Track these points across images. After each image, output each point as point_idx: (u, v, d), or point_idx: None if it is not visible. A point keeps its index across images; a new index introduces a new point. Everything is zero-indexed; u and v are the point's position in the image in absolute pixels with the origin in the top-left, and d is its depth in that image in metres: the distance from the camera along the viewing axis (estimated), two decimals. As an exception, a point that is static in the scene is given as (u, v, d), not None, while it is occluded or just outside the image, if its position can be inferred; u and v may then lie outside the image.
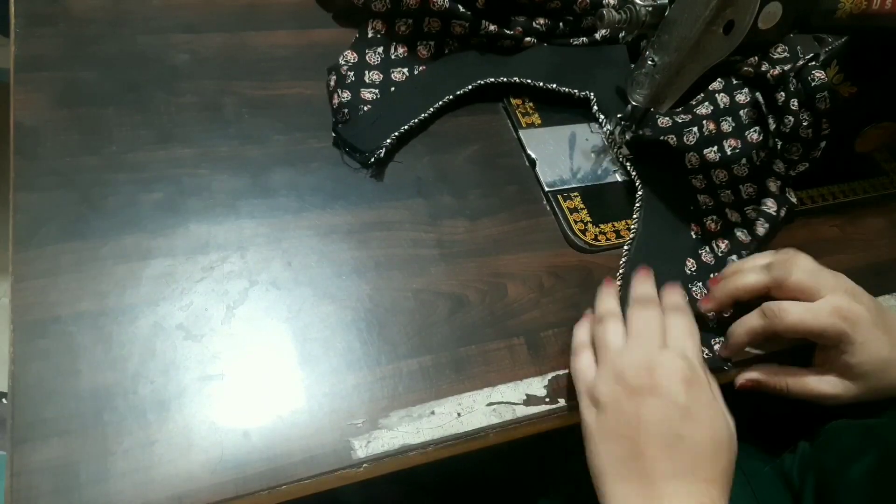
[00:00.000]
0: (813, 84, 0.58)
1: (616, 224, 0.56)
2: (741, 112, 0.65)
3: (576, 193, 0.57)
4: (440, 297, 0.48)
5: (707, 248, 0.56)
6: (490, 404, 0.45)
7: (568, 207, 0.56)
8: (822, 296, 0.45)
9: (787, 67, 0.65)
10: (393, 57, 0.58)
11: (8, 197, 0.44)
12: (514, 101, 0.61)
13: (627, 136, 0.61)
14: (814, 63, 0.60)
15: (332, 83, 0.55)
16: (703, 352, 0.50)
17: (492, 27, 0.60)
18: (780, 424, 0.55)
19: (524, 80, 0.60)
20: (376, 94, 0.56)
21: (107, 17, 0.54)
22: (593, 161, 0.60)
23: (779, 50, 0.70)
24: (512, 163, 0.58)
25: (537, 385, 0.47)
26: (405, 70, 0.58)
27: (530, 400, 0.46)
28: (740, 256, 0.55)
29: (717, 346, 0.51)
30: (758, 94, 0.66)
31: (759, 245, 0.57)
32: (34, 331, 0.40)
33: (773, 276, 0.47)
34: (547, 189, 0.56)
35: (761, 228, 0.56)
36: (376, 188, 0.52)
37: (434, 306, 0.48)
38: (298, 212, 0.49)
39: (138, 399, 0.39)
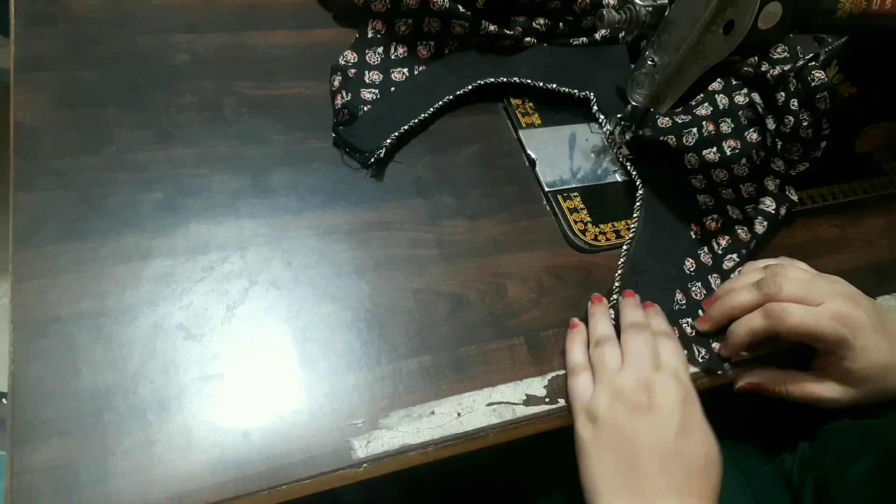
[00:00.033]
0: (813, 84, 0.58)
1: (616, 224, 0.56)
2: (740, 113, 0.65)
3: (576, 193, 0.57)
4: (440, 297, 0.48)
5: (706, 248, 0.56)
6: (490, 404, 0.45)
7: (568, 207, 0.56)
8: (819, 303, 0.46)
9: (787, 67, 0.65)
10: (393, 57, 0.58)
11: (8, 197, 0.44)
12: (514, 101, 0.61)
13: (627, 136, 0.61)
14: (814, 63, 0.60)
15: (335, 84, 0.55)
16: (699, 353, 0.50)
17: (492, 27, 0.60)
18: (779, 424, 0.56)
19: (524, 80, 0.60)
20: (376, 95, 0.56)
21: (107, 17, 0.54)
22: (593, 161, 0.60)
23: (779, 50, 0.70)
24: (512, 163, 0.58)
25: (537, 385, 0.47)
26: (405, 70, 0.58)
27: (530, 400, 0.46)
28: (740, 255, 0.55)
29: (715, 346, 0.51)
30: (755, 95, 0.66)
31: (759, 244, 0.57)
32: (34, 331, 0.40)
33: (765, 292, 0.47)
34: (547, 189, 0.56)
35: (760, 227, 0.57)
36: (376, 188, 0.52)
37: (434, 306, 0.48)
38: (298, 212, 0.49)
39: (138, 399, 0.39)
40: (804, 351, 0.49)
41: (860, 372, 0.45)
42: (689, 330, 0.51)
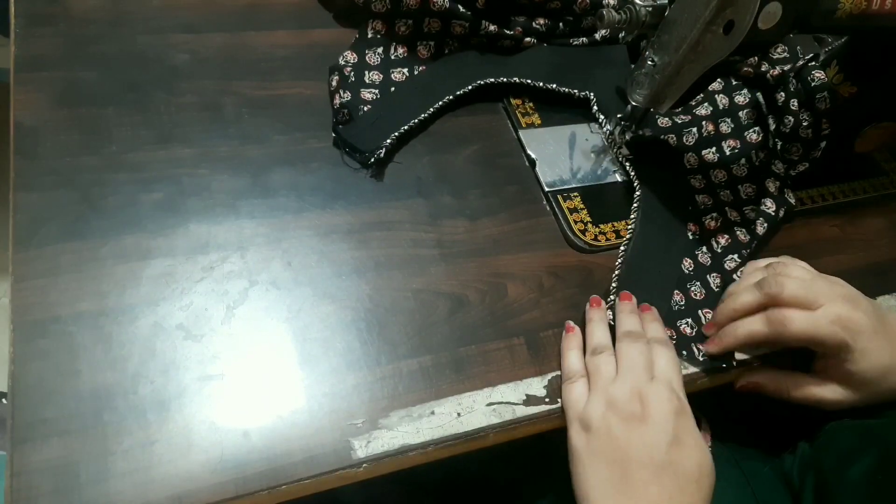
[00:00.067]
0: (813, 84, 0.58)
1: (616, 224, 0.56)
2: (740, 113, 0.65)
3: (576, 193, 0.57)
4: (440, 297, 0.48)
5: (704, 248, 0.56)
6: (490, 404, 0.45)
7: (568, 207, 0.56)
8: (819, 305, 0.46)
9: (787, 67, 0.65)
10: (393, 57, 0.58)
11: (8, 197, 0.44)
12: (514, 101, 0.61)
13: (627, 137, 0.61)
14: (814, 63, 0.60)
15: (335, 83, 0.55)
16: (699, 353, 0.50)
17: (492, 27, 0.60)
18: (779, 424, 0.55)
19: (524, 80, 0.60)
20: (376, 95, 0.56)
21: (107, 17, 0.54)
22: (593, 161, 0.60)
23: (779, 50, 0.70)
24: (512, 163, 0.58)
25: (537, 385, 0.47)
26: (405, 70, 0.58)
27: (530, 400, 0.46)
28: (741, 256, 0.55)
29: (706, 346, 0.51)
30: (758, 95, 0.66)
31: (759, 245, 0.57)
32: (34, 331, 0.40)
33: (766, 292, 0.47)
34: (547, 189, 0.56)
35: (760, 228, 0.57)
36: (376, 188, 0.52)
37: (434, 306, 0.48)
38: (298, 212, 0.49)
39: (138, 399, 0.39)
40: (804, 351, 0.49)
41: (861, 374, 0.46)
42: (688, 330, 0.51)
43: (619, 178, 0.59)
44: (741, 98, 0.66)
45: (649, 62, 0.52)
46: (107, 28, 0.54)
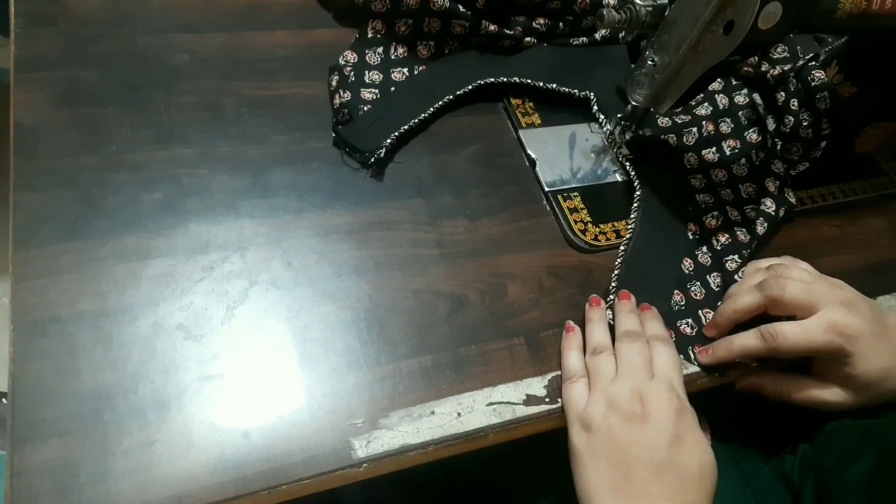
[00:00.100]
0: (813, 84, 0.58)
1: (616, 224, 0.56)
2: (740, 113, 0.65)
3: (576, 193, 0.57)
4: (440, 297, 0.48)
5: (705, 248, 0.56)
6: (490, 404, 0.45)
7: (568, 207, 0.56)
8: (818, 309, 0.45)
9: (787, 67, 0.65)
10: (393, 57, 0.58)
11: (8, 197, 0.44)
12: (514, 101, 0.61)
13: (627, 136, 0.61)
14: (814, 63, 0.60)
15: (335, 83, 0.55)
16: (695, 354, 0.50)
17: (492, 27, 0.60)
18: (779, 424, 0.55)
19: (524, 80, 0.60)
20: (376, 94, 0.56)
21: (107, 17, 0.54)
22: (593, 161, 0.60)
23: (779, 50, 0.70)
24: (512, 163, 0.58)
25: (537, 385, 0.47)
26: (405, 70, 0.58)
27: (530, 400, 0.46)
28: (741, 256, 0.55)
29: (698, 354, 0.51)
30: (756, 95, 0.66)
31: (759, 244, 0.57)
32: (34, 331, 0.40)
33: (767, 294, 0.47)
34: (547, 189, 0.56)
35: (760, 228, 0.57)
36: (376, 188, 0.52)
37: (434, 306, 0.48)
38: (298, 212, 0.49)
39: (138, 399, 0.39)
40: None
41: (861, 377, 0.46)
42: (688, 330, 0.51)
43: (619, 177, 0.59)
44: (741, 98, 0.66)
45: (649, 62, 0.52)
46: (107, 28, 0.54)
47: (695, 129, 0.63)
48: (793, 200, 0.60)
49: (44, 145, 0.47)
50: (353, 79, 0.56)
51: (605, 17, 0.50)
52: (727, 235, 0.56)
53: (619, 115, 0.60)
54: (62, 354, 0.40)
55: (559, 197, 0.56)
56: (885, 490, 0.44)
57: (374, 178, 0.53)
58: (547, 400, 0.46)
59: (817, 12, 0.47)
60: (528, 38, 0.62)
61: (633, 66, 0.55)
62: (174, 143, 0.50)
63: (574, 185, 0.57)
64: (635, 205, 0.57)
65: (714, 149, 0.63)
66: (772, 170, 0.60)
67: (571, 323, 0.49)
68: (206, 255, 0.46)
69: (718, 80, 0.67)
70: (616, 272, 0.52)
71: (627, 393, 0.43)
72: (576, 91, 0.61)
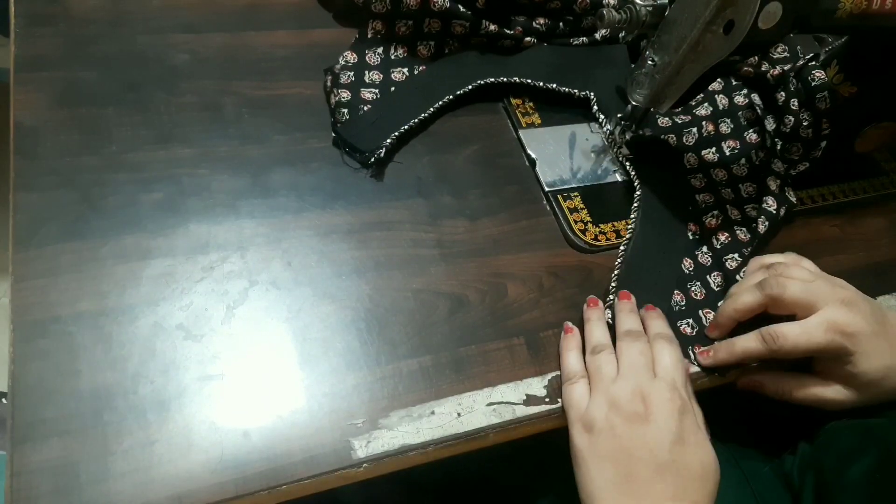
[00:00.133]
0: (813, 84, 0.58)
1: (616, 224, 0.56)
2: (740, 113, 0.65)
3: (576, 193, 0.57)
4: (440, 297, 0.48)
5: (705, 248, 0.56)
6: (490, 404, 0.45)
7: (568, 207, 0.56)
8: (818, 308, 0.45)
9: (787, 67, 0.65)
10: (393, 57, 0.58)
11: (8, 197, 0.44)
12: (514, 101, 0.61)
13: (627, 136, 0.61)
14: (814, 63, 0.60)
15: (329, 83, 0.55)
16: (695, 354, 0.50)
17: (492, 27, 0.60)
18: (780, 425, 0.55)
19: (524, 80, 0.60)
20: (376, 94, 0.56)
21: (107, 17, 0.54)
22: (593, 161, 0.60)
23: (779, 50, 0.70)
24: (512, 163, 0.58)
25: (537, 385, 0.47)
26: (405, 70, 0.58)
27: (530, 400, 0.46)
28: (742, 255, 0.55)
29: (699, 355, 0.51)
30: (756, 95, 0.66)
31: (760, 243, 0.57)
32: (34, 331, 0.40)
33: (767, 293, 0.47)
34: (547, 189, 0.56)
35: (762, 226, 0.56)
36: (376, 188, 0.52)
37: (434, 306, 0.48)
38: (298, 212, 0.49)
39: (138, 399, 0.39)
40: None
41: (863, 376, 0.45)
42: (688, 330, 0.51)
43: (619, 177, 0.59)
44: (741, 98, 0.66)
45: (649, 62, 0.52)
46: (107, 28, 0.54)
47: (695, 130, 0.63)
48: (793, 199, 0.60)
49: (44, 145, 0.47)
50: (353, 79, 0.56)
51: (605, 17, 0.50)
52: (727, 234, 0.56)
53: (619, 115, 0.60)
54: (62, 354, 0.40)
55: (559, 197, 0.56)
56: (885, 490, 0.44)
57: (374, 178, 0.53)
58: (547, 400, 0.46)
59: (817, 12, 0.47)
60: (528, 38, 0.62)
61: (633, 66, 0.55)
62: (174, 143, 0.50)
63: (574, 185, 0.57)
64: (635, 205, 0.57)
65: (714, 149, 0.63)
66: (772, 169, 0.60)
67: (570, 324, 0.49)
68: (206, 255, 0.46)
69: (718, 80, 0.67)
70: (616, 272, 0.52)
71: (629, 393, 0.43)
72: (576, 91, 0.61)
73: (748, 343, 0.48)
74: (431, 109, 0.56)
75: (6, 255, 0.42)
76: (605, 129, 0.61)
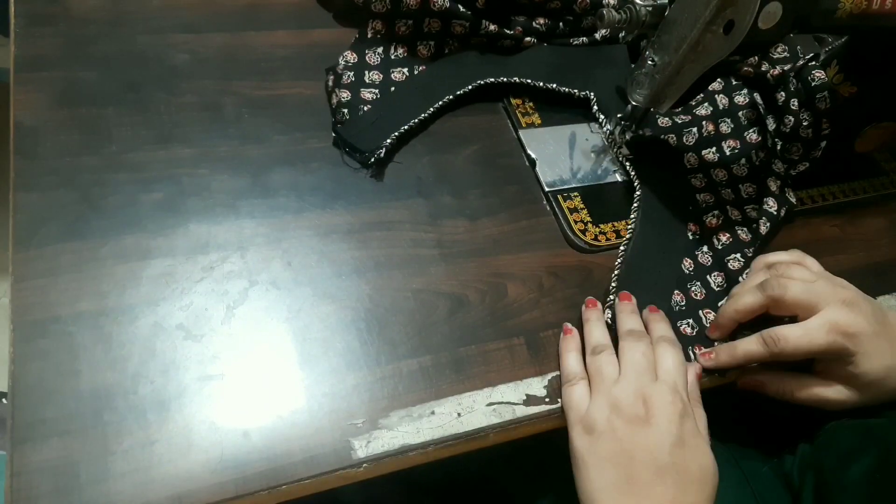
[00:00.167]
0: (813, 84, 0.58)
1: (616, 224, 0.56)
2: (740, 113, 0.65)
3: (576, 193, 0.57)
4: (440, 297, 0.48)
5: (705, 248, 0.56)
6: (490, 404, 0.45)
7: (568, 207, 0.56)
8: (820, 309, 0.45)
9: (787, 67, 0.65)
10: (393, 57, 0.58)
11: (8, 197, 0.44)
12: (514, 101, 0.61)
13: (627, 136, 0.61)
14: (814, 63, 0.60)
15: (331, 83, 0.55)
16: (695, 354, 0.50)
17: (492, 27, 0.60)
18: (779, 424, 0.55)
19: (524, 80, 0.60)
20: (376, 94, 0.56)
21: (107, 17, 0.54)
22: (593, 161, 0.60)
23: (779, 50, 0.70)
24: (512, 163, 0.58)
25: (537, 385, 0.47)
26: (405, 70, 0.58)
27: (530, 400, 0.46)
28: (743, 255, 0.55)
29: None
30: (756, 95, 0.66)
31: (761, 244, 0.57)
32: (34, 331, 0.40)
33: (768, 294, 0.47)
34: (547, 189, 0.56)
35: (763, 227, 0.57)
36: (376, 188, 0.52)
37: (434, 306, 0.48)
38: (298, 212, 0.49)
39: (138, 399, 0.39)
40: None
41: (864, 376, 0.45)
42: (688, 330, 0.51)
43: (619, 177, 0.59)
44: (741, 98, 0.66)
45: (649, 62, 0.52)
46: (107, 28, 0.54)
47: (695, 129, 0.63)
48: (793, 200, 0.60)
49: (44, 145, 0.47)
50: (353, 79, 0.56)
51: (605, 17, 0.50)
52: (728, 235, 0.56)
53: (619, 115, 0.60)
54: (62, 354, 0.40)
55: (559, 197, 0.56)
56: (885, 490, 0.44)
57: (374, 178, 0.53)
58: (547, 400, 0.46)
59: (817, 12, 0.47)
60: (528, 38, 0.62)
61: (633, 66, 0.55)
62: (174, 143, 0.50)
63: (574, 185, 0.57)
64: (635, 205, 0.57)
65: (714, 149, 0.63)
66: (772, 170, 0.60)
67: (569, 325, 0.49)
68: (206, 255, 0.46)
69: (718, 80, 0.67)
70: (616, 272, 0.52)
71: (631, 395, 0.43)
72: (576, 91, 0.61)
73: (749, 346, 0.48)
74: (431, 109, 0.56)
75: (6, 255, 0.42)
76: (605, 129, 0.61)
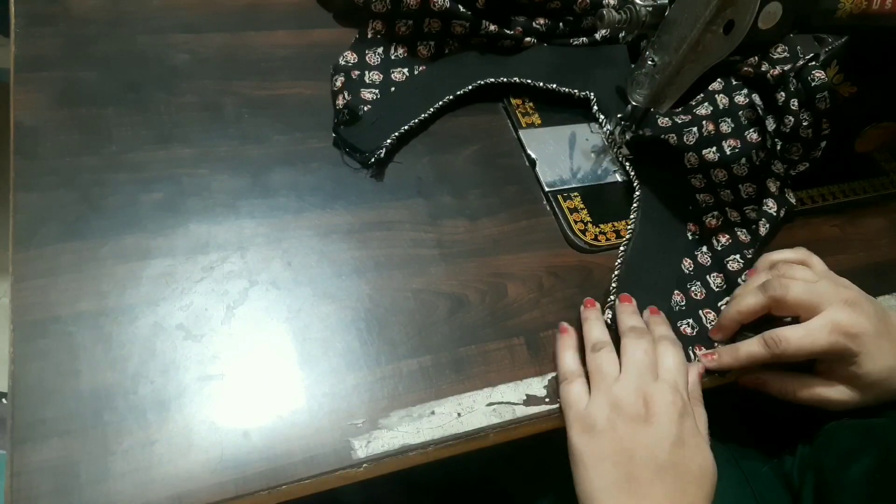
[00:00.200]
0: (813, 84, 0.58)
1: (616, 224, 0.56)
2: (740, 113, 0.65)
3: (576, 193, 0.57)
4: (440, 297, 0.48)
5: (705, 248, 0.56)
6: (490, 404, 0.45)
7: (568, 207, 0.56)
8: (822, 309, 0.45)
9: (787, 67, 0.65)
10: (393, 57, 0.58)
11: (8, 197, 0.44)
12: (514, 101, 0.61)
13: (627, 136, 0.61)
14: (814, 63, 0.60)
15: (339, 84, 0.55)
16: (695, 354, 0.50)
17: (492, 27, 0.60)
18: (779, 424, 0.55)
19: (524, 80, 0.60)
20: (376, 95, 0.56)
21: (107, 17, 0.54)
22: (593, 161, 0.60)
23: (779, 50, 0.70)
24: (512, 163, 0.58)
25: (537, 385, 0.47)
26: (405, 70, 0.58)
27: (530, 400, 0.46)
28: (743, 257, 0.55)
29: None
30: (756, 95, 0.66)
31: (760, 245, 0.57)
32: (34, 331, 0.40)
33: (770, 295, 0.47)
34: (547, 189, 0.56)
35: (763, 228, 0.57)
36: (376, 188, 0.52)
37: (434, 306, 0.48)
38: (298, 212, 0.49)
39: (138, 399, 0.39)
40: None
41: (866, 376, 0.45)
42: (688, 331, 0.51)
43: (619, 178, 0.59)
44: (741, 98, 0.66)
45: (649, 62, 0.52)
46: (107, 28, 0.54)
47: (695, 129, 0.63)
48: (793, 201, 0.60)
49: (44, 145, 0.47)
50: (354, 79, 0.56)
51: (605, 17, 0.50)
52: (728, 236, 0.56)
53: (619, 115, 0.60)
54: (62, 354, 0.40)
55: (559, 197, 0.56)
56: (885, 490, 0.44)
57: (374, 178, 0.53)
58: (547, 400, 0.46)
59: (817, 12, 0.47)
60: (528, 38, 0.62)
61: (633, 66, 0.55)
62: (174, 143, 0.50)
63: (574, 185, 0.57)
64: (635, 205, 0.57)
65: (714, 148, 0.63)
66: (772, 170, 0.60)
67: (565, 324, 0.49)
68: (206, 255, 0.46)
69: (718, 80, 0.67)
70: (616, 272, 0.52)
71: (633, 394, 0.42)
72: (576, 91, 0.61)
73: (751, 348, 0.47)
74: (431, 109, 0.56)
75: (6, 255, 0.42)
76: (605, 129, 0.61)
